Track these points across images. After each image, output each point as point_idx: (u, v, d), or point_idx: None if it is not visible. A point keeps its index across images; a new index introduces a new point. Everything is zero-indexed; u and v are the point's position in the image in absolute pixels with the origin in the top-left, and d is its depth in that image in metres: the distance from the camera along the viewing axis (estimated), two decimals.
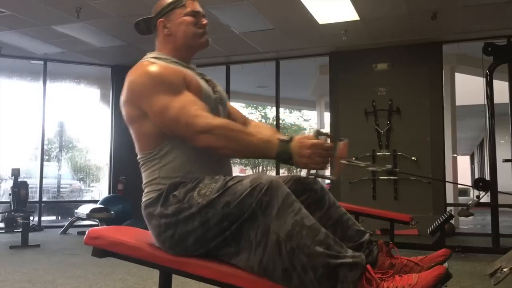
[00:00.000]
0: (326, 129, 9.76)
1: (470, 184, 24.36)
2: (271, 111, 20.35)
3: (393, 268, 1.55)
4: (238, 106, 19.95)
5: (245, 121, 1.95)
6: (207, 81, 1.80)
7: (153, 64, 1.67)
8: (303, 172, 1.57)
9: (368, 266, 1.39)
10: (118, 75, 7.71)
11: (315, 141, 1.51)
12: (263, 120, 21.83)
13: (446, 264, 1.50)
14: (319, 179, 1.70)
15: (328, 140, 1.58)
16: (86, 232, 1.66)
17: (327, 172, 1.74)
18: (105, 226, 1.80)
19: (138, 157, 1.71)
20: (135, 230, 1.81)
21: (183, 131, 1.57)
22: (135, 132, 1.69)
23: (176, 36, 1.77)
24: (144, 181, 1.68)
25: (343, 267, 1.37)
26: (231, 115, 1.91)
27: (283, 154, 1.50)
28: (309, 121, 21.47)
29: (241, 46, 6.82)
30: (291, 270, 1.39)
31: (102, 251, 1.62)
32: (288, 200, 1.44)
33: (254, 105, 20.19)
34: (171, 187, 1.58)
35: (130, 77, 1.65)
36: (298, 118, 21.90)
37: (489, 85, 4.57)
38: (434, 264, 1.51)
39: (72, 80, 8.81)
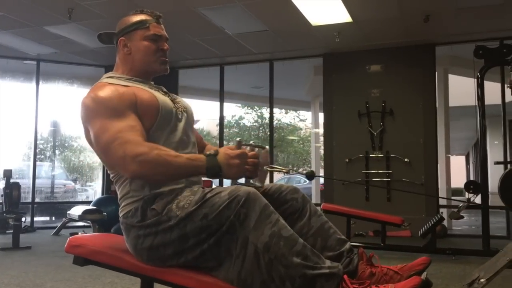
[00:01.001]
0: (320, 130, 9.76)
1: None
2: (267, 111, 20.37)
3: (373, 277, 1.55)
4: (232, 106, 19.97)
5: (202, 145, 1.98)
6: (165, 93, 1.81)
7: (103, 87, 1.67)
8: (230, 183, 1.60)
9: (345, 277, 1.40)
10: None
11: (240, 150, 1.55)
12: (259, 120, 21.85)
13: (424, 274, 1.50)
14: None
15: (252, 149, 1.62)
16: (67, 240, 1.66)
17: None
18: (87, 234, 1.80)
19: (111, 176, 1.73)
20: (118, 238, 1.80)
21: (113, 158, 1.55)
22: (96, 152, 1.70)
23: (134, 58, 1.78)
24: (119, 196, 1.70)
25: (320, 278, 1.37)
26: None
27: (213, 168, 1.52)
28: (305, 121, 21.51)
29: (235, 47, 6.82)
30: (269, 282, 1.39)
31: (83, 259, 1.62)
32: (265, 211, 1.44)
33: (250, 106, 20.20)
34: (147, 202, 1.59)
35: (82, 99, 1.67)
36: (294, 118, 21.92)
37: (480, 88, 4.59)
38: (413, 273, 1.51)
39: (66, 80, 8.79)
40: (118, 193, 1.70)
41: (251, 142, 1.64)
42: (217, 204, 1.46)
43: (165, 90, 1.84)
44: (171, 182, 1.62)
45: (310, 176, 1.76)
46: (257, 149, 1.62)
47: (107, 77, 1.76)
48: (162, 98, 1.73)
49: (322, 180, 10.03)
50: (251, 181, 1.64)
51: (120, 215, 1.67)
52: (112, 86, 1.68)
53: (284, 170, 1.82)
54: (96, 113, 1.61)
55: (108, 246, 1.63)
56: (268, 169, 1.63)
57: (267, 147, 1.63)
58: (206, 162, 1.53)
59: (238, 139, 1.61)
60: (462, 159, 25.21)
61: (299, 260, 1.38)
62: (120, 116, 1.59)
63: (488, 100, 4.74)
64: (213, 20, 5.74)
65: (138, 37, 1.77)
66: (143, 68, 1.78)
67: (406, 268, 1.56)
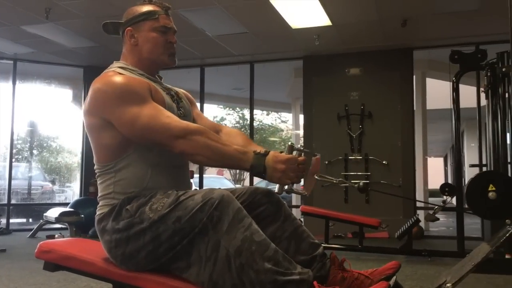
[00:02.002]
0: (301, 131, 9.81)
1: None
2: (248, 113, 20.36)
3: (345, 282, 1.57)
4: (214, 107, 19.91)
5: (216, 128, 1.92)
6: (172, 96, 1.78)
7: (118, 74, 1.64)
8: (277, 187, 1.59)
9: (315, 283, 1.41)
10: (90, 76, 7.58)
11: (289, 156, 1.53)
12: (241, 121, 21.85)
13: (393, 278, 1.53)
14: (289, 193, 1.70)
15: (302, 155, 1.60)
16: (38, 245, 1.64)
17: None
18: (58, 239, 1.78)
19: (95, 167, 1.69)
20: (90, 242, 1.79)
21: (158, 137, 1.55)
22: (94, 142, 1.67)
23: (142, 50, 1.74)
24: (99, 194, 1.66)
25: (290, 284, 1.38)
26: (200, 123, 1.88)
27: (257, 167, 1.51)
28: (286, 123, 21.57)
29: (216, 49, 6.81)
30: (240, 286, 1.40)
31: (53, 265, 1.60)
32: (238, 215, 1.44)
33: (232, 107, 20.17)
34: (125, 201, 1.57)
35: (96, 85, 1.62)
36: (275, 120, 21.97)
37: (456, 91, 4.66)
38: (383, 278, 1.53)
39: (43, 80, 8.66)
40: (99, 189, 1.66)
41: (304, 148, 1.60)
42: (190, 206, 1.46)
43: (172, 93, 1.80)
44: (158, 189, 1.60)
45: (363, 189, 1.74)
46: (308, 155, 1.59)
47: (118, 67, 1.71)
48: (169, 102, 1.71)
49: (302, 182, 10.07)
50: (295, 187, 1.61)
51: (96, 213, 1.65)
52: (126, 74, 1.66)
53: (334, 181, 1.79)
54: (118, 99, 1.57)
55: (79, 251, 1.61)
56: (318, 178, 1.60)
57: (319, 154, 1.60)
58: (252, 160, 1.51)
59: (290, 143, 1.58)
60: (440, 161, 25.59)
61: (270, 266, 1.39)
62: (145, 101, 1.59)
63: (465, 103, 4.83)
64: (193, 22, 5.73)
65: (146, 28, 1.73)
66: (151, 59, 1.75)
67: (377, 273, 1.58)
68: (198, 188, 7.37)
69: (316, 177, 1.60)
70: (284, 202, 1.75)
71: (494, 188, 3.20)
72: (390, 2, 5.15)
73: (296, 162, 1.51)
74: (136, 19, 1.74)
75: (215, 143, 1.53)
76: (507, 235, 1.30)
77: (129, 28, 1.75)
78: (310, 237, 1.70)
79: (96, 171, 1.68)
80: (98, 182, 1.67)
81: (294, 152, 1.56)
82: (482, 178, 3.44)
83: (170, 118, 1.56)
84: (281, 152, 1.54)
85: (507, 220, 1.83)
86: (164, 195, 1.54)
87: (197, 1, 5.11)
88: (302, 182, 1.62)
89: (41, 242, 1.65)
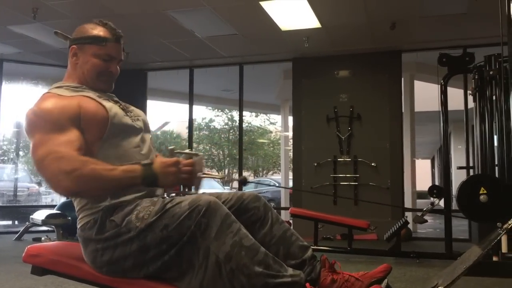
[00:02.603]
0: (290, 133, 9.82)
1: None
2: (237, 114, 20.35)
3: (335, 284, 1.57)
4: (203, 109, 19.87)
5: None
6: (116, 102, 1.77)
7: (48, 99, 1.63)
8: (166, 193, 1.61)
9: (307, 285, 1.41)
10: None
11: (175, 158, 1.54)
12: (229, 123, 21.82)
13: (385, 282, 1.53)
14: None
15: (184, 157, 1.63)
16: (25, 249, 1.61)
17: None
18: (45, 243, 1.75)
19: None
20: (78, 246, 1.76)
21: (46, 174, 1.50)
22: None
23: (81, 70, 1.75)
24: (76, 208, 1.65)
25: (282, 286, 1.38)
26: None
27: (149, 177, 1.50)
28: (275, 124, 21.61)
29: (205, 51, 6.79)
30: None
31: (41, 269, 1.58)
32: (227, 221, 1.44)
33: (220, 108, 20.16)
34: (106, 213, 1.56)
35: (26, 111, 1.64)
36: (264, 121, 22.00)
37: (444, 94, 4.70)
38: (374, 281, 1.53)
39: (30, 81, 8.57)
40: (75, 204, 1.65)
41: (186, 150, 1.65)
42: (178, 214, 1.45)
43: (116, 99, 1.80)
44: (132, 191, 1.59)
45: (243, 182, 1.78)
46: (192, 156, 1.63)
47: (55, 87, 1.72)
48: (111, 106, 1.68)
49: (291, 184, 10.08)
50: (187, 189, 1.65)
51: (78, 226, 1.63)
52: (55, 98, 1.63)
53: (218, 177, 1.83)
54: (35, 126, 1.57)
55: (67, 255, 1.59)
56: (202, 175, 1.63)
57: (201, 154, 1.64)
58: (141, 172, 1.50)
59: (171, 147, 1.61)
60: (427, 162, 25.81)
61: (261, 269, 1.38)
62: (59, 130, 1.54)
63: (452, 106, 4.87)
64: (183, 23, 5.71)
65: (89, 52, 1.73)
66: (87, 81, 1.75)
67: (368, 276, 1.58)
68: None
69: (201, 175, 1.63)
70: (272, 205, 1.75)
71: (485, 191, 3.23)
72: (379, 5, 5.18)
73: (183, 164, 1.54)
74: (83, 40, 1.74)
75: (100, 171, 1.48)
76: (498, 237, 1.31)
77: (73, 46, 1.75)
78: (299, 240, 1.69)
79: None
80: (73, 198, 1.66)
81: (182, 156, 1.60)
82: (473, 181, 3.47)
83: (67, 153, 1.49)
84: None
85: (498, 223, 1.85)
86: (150, 202, 1.53)
87: (186, 2, 5.09)
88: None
89: (28, 246, 1.63)
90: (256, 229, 1.64)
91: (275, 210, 1.75)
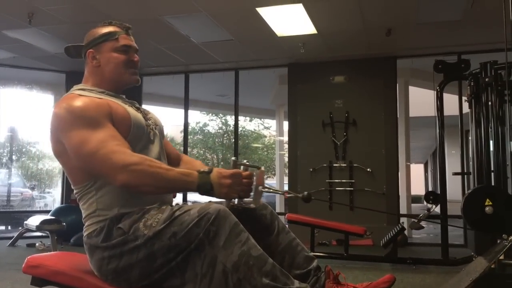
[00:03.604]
0: (285, 138, 9.82)
1: (423, 191, 25.12)
2: (231, 118, 20.34)
3: None
4: (197, 113, 19.83)
5: (177, 156, 1.94)
6: (137, 108, 1.77)
7: (76, 97, 1.62)
8: (224, 202, 1.59)
9: None
10: (73, 81, 7.37)
11: (234, 170, 1.53)
12: (223, 127, 21.79)
13: None
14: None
15: (248, 169, 1.60)
16: (25, 260, 1.59)
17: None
18: (46, 253, 1.73)
19: (74, 191, 1.67)
20: (78, 256, 1.75)
21: (99, 167, 1.51)
22: (65, 166, 1.66)
23: (104, 70, 1.74)
24: (83, 215, 1.64)
25: None
26: (166, 149, 1.88)
27: (204, 186, 1.50)
28: (270, 129, 21.60)
29: (201, 56, 6.79)
30: None
31: (41, 280, 1.56)
32: (235, 230, 1.43)
33: (215, 113, 20.13)
34: (113, 221, 1.55)
35: (54, 110, 1.62)
36: (258, 126, 21.99)
37: (440, 100, 4.73)
38: None
39: (25, 85, 8.52)
40: (82, 211, 1.64)
41: (246, 161, 1.61)
42: (186, 222, 1.44)
43: (137, 105, 1.80)
44: (144, 202, 1.58)
45: (307, 199, 1.74)
46: (252, 169, 1.60)
47: (78, 89, 1.70)
48: (134, 113, 1.69)
49: (285, 188, 10.09)
50: (244, 201, 1.61)
51: (84, 234, 1.62)
52: (85, 97, 1.64)
53: (279, 192, 1.81)
54: (71, 124, 1.55)
55: (69, 266, 1.58)
56: (263, 190, 1.60)
57: (263, 167, 1.61)
58: (198, 179, 1.49)
59: (233, 158, 1.59)
60: (421, 167, 25.92)
61: (268, 281, 1.38)
62: (98, 126, 1.55)
63: (446, 111, 4.89)
64: (179, 29, 5.71)
65: (107, 49, 1.73)
66: (114, 79, 1.74)
67: (371, 286, 1.58)
68: (183, 200, 7.31)
69: (262, 189, 1.61)
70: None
71: (490, 203, 3.25)
72: (375, 12, 5.21)
73: (241, 176, 1.51)
74: (96, 40, 1.74)
75: (157, 169, 1.50)
76: (505, 249, 1.30)
77: (90, 50, 1.74)
78: (304, 250, 1.69)
79: (76, 194, 1.67)
80: (81, 204, 1.65)
81: (241, 167, 1.57)
82: (478, 193, 3.49)
83: (116, 147, 1.51)
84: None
85: (503, 235, 1.86)
86: (158, 210, 1.52)
87: (182, 8, 5.09)
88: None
89: (28, 257, 1.61)
90: (262, 237, 1.63)
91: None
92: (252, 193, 1.61)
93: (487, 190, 3.63)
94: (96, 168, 1.52)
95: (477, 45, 6.14)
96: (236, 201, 1.58)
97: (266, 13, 5.20)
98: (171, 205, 1.57)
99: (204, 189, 1.49)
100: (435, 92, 4.68)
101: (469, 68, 4.55)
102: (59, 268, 1.55)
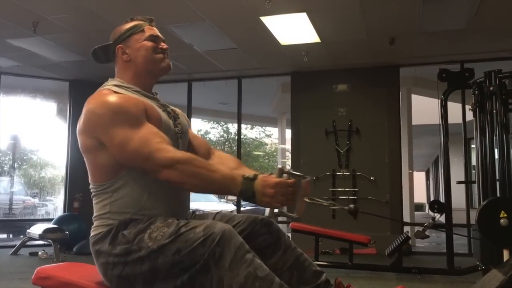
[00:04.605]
0: (287, 145, 9.83)
1: (425, 199, 25.06)
2: (233, 126, 20.37)
3: None
4: (198, 121, 19.86)
5: (209, 151, 1.92)
6: (168, 113, 1.75)
7: (113, 94, 1.61)
8: (266, 211, 1.56)
9: None
10: (76, 89, 7.53)
11: (278, 180, 1.49)
12: (225, 135, 21.83)
13: None
14: (280, 217, 1.68)
15: (291, 178, 1.56)
16: (35, 271, 1.58)
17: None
18: (55, 264, 1.72)
19: (90, 186, 1.65)
20: (88, 267, 1.74)
21: (144, 164, 1.52)
22: (89, 162, 1.63)
23: (136, 62, 1.73)
24: (94, 214, 1.63)
25: None
26: (195, 144, 1.87)
27: (246, 192, 1.48)
28: (271, 137, 21.62)
29: (204, 64, 6.81)
30: None
31: None
32: (241, 251, 1.41)
33: (216, 121, 20.15)
34: (121, 225, 1.54)
35: (89, 106, 1.59)
36: (259, 134, 22.01)
37: (444, 108, 4.72)
38: None
39: (28, 93, 8.55)
40: (94, 209, 1.62)
41: (292, 170, 1.57)
42: (191, 240, 1.43)
43: (169, 109, 1.78)
44: (155, 213, 1.57)
45: (354, 212, 1.70)
46: (298, 178, 1.56)
47: (114, 85, 1.69)
48: (166, 119, 1.69)
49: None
50: (286, 210, 1.59)
51: (91, 234, 1.60)
52: (123, 91, 1.65)
53: (325, 203, 1.76)
54: (111, 121, 1.54)
55: (78, 277, 1.56)
56: (308, 200, 1.58)
57: (309, 177, 1.57)
58: (241, 185, 1.49)
59: (279, 166, 1.56)
60: (422, 175, 25.88)
61: None
62: (139, 124, 1.56)
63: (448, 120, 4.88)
64: (182, 37, 5.73)
65: (135, 41, 1.74)
66: (146, 68, 1.74)
67: None
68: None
69: (306, 199, 1.58)
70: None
71: (505, 215, 3.23)
72: (379, 21, 5.22)
73: (286, 185, 1.49)
74: (123, 35, 1.75)
75: (202, 170, 1.51)
76: None
77: (119, 45, 1.75)
78: (312, 265, 1.67)
79: (91, 190, 1.65)
80: (94, 201, 1.64)
81: (285, 175, 1.54)
82: (493, 205, 3.47)
83: (161, 144, 1.53)
84: (270, 174, 1.52)
85: None
86: (164, 223, 1.51)
87: (186, 17, 5.11)
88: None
89: (38, 268, 1.60)
90: (269, 254, 1.61)
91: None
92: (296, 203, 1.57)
93: (502, 202, 3.61)
94: (142, 165, 1.53)
95: (480, 54, 6.16)
96: (277, 210, 1.56)
97: (270, 21, 5.22)
98: (178, 219, 1.55)
99: (246, 196, 1.49)
100: (439, 100, 4.68)
101: (473, 77, 4.56)
102: (69, 279, 1.54)
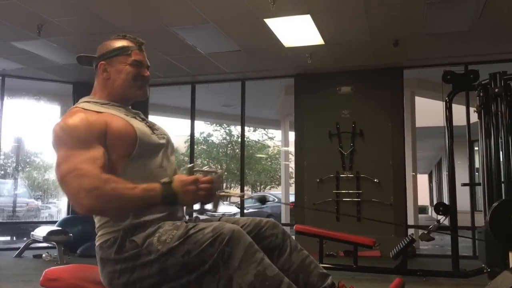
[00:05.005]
0: (290, 148, 9.81)
1: (428, 202, 25.00)
2: (235, 129, 20.36)
3: None
4: (201, 124, 19.88)
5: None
6: (142, 119, 1.77)
7: (75, 114, 1.62)
8: (184, 210, 1.58)
9: None
10: (79, 91, 7.53)
11: (194, 176, 1.52)
12: (227, 138, 21.81)
13: None
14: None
15: (203, 174, 1.60)
16: (43, 273, 1.59)
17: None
18: (62, 266, 1.72)
19: None
20: (96, 270, 1.73)
21: (67, 191, 1.48)
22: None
23: (113, 83, 1.74)
24: (96, 224, 1.63)
25: None
26: None
27: (168, 196, 1.48)
28: (273, 139, 21.61)
29: (207, 67, 6.81)
30: None
31: None
32: (250, 250, 1.42)
33: (219, 123, 20.15)
34: (126, 232, 1.54)
35: (53, 126, 1.63)
36: (262, 136, 21.99)
37: (449, 110, 4.71)
38: None
39: (32, 96, 8.57)
40: (95, 220, 1.63)
41: (204, 167, 1.61)
42: (200, 241, 1.44)
43: (142, 116, 1.80)
44: (154, 211, 1.57)
45: (262, 200, 1.72)
46: (210, 174, 1.59)
47: (83, 102, 1.72)
48: (139, 125, 1.68)
49: (292, 199, 10.06)
50: (206, 206, 1.61)
51: (96, 244, 1.61)
52: (83, 113, 1.63)
53: (236, 195, 1.79)
54: (61, 141, 1.56)
55: (87, 280, 1.56)
56: (221, 193, 1.59)
57: (220, 171, 1.60)
58: (161, 191, 1.48)
59: (189, 165, 1.58)
60: (425, 177, 25.83)
61: None
62: (84, 146, 1.53)
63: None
64: (186, 39, 5.73)
65: (119, 63, 1.74)
66: (122, 92, 1.75)
67: None
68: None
69: (220, 193, 1.60)
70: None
71: None
72: (382, 23, 5.22)
73: (202, 181, 1.51)
74: (109, 54, 1.75)
75: (121, 190, 1.46)
76: None
77: (102, 62, 1.75)
78: (318, 268, 1.67)
79: None
80: (93, 215, 1.63)
81: (197, 173, 1.57)
82: (505, 206, 3.46)
83: (89, 171, 1.46)
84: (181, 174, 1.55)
85: None
86: (173, 226, 1.52)
87: (190, 19, 5.11)
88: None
89: (46, 270, 1.60)
90: (275, 256, 1.61)
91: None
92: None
93: None
94: (65, 191, 1.50)
95: (484, 56, 6.15)
96: (198, 207, 1.58)
97: (274, 24, 5.22)
98: (186, 222, 1.55)
99: (169, 200, 1.48)
100: (444, 102, 4.66)
101: (478, 78, 4.55)
102: (77, 281, 1.54)
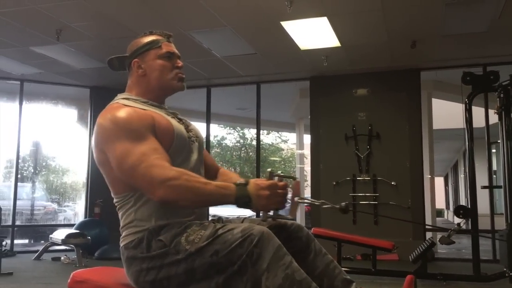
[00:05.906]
0: (305, 151, 9.80)
1: (443, 205, 24.73)
2: (249, 132, 20.38)
3: None
4: (215, 127, 19.91)
5: (216, 168, 1.95)
6: (180, 120, 1.77)
7: (120, 108, 1.63)
8: (262, 214, 1.57)
9: None
10: (97, 96, 7.62)
11: (271, 181, 1.50)
12: (241, 141, 21.84)
13: None
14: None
15: (282, 180, 1.57)
16: (71, 275, 1.60)
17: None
18: (89, 268, 1.73)
19: (114, 200, 1.67)
20: (122, 272, 1.74)
21: (139, 182, 1.51)
22: (106, 175, 1.66)
23: (150, 78, 1.74)
24: (121, 224, 1.64)
25: None
26: (207, 163, 1.88)
27: (242, 198, 1.47)
28: (287, 142, 21.57)
29: (223, 70, 6.83)
30: None
31: None
32: (279, 252, 1.41)
33: (233, 126, 20.17)
34: (152, 233, 1.54)
35: (99, 120, 1.63)
36: (275, 139, 21.96)
37: (469, 112, 4.66)
38: None
39: (50, 100, 8.67)
40: (120, 221, 1.64)
41: (281, 172, 1.57)
42: (230, 241, 1.42)
43: (179, 116, 1.80)
44: (181, 214, 1.58)
45: (344, 210, 1.70)
46: (288, 180, 1.57)
47: (122, 98, 1.71)
48: (177, 125, 1.69)
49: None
50: (280, 213, 1.59)
51: (121, 244, 1.61)
52: (128, 107, 1.64)
53: (316, 203, 1.76)
54: (115, 135, 1.56)
55: (114, 282, 1.57)
56: (299, 201, 1.57)
57: (298, 178, 1.59)
58: (236, 191, 1.48)
59: (269, 169, 1.57)
60: (441, 180, 25.56)
61: None
62: (141, 138, 1.54)
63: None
64: (202, 43, 5.75)
65: (151, 57, 1.75)
66: (159, 86, 1.75)
67: None
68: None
69: (298, 200, 1.58)
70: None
71: None
72: (400, 24, 5.18)
73: (278, 187, 1.49)
74: (140, 50, 1.76)
75: (195, 183, 1.48)
76: None
77: (135, 59, 1.76)
78: (342, 273, 1.65)
79: (116, 203, 1.66)
80: (120, 213, 1.65)
81: (275, 178, 1.54)
82: None
83: (157, 161, 1.50)
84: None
85: None
86: (200, 226, 1.52)
87: (206, 23, 5.13)
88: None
89: (74, 272, 1.61)
90: (299, 260, 1.59)
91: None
92: (288, 205, 1.58)
93: None
94: (137, 182, 1.52)
95: (503, 57, 6.07)
96: (272, 213, 1.55)
97: (290, 26, 5.22)
98: (213, 222, 1.55)
99: (242, 202, 1.48)
100: (464, 104, 4.62)
101: (498, 80, 4.49)
102: (104, 283, 1.55)
